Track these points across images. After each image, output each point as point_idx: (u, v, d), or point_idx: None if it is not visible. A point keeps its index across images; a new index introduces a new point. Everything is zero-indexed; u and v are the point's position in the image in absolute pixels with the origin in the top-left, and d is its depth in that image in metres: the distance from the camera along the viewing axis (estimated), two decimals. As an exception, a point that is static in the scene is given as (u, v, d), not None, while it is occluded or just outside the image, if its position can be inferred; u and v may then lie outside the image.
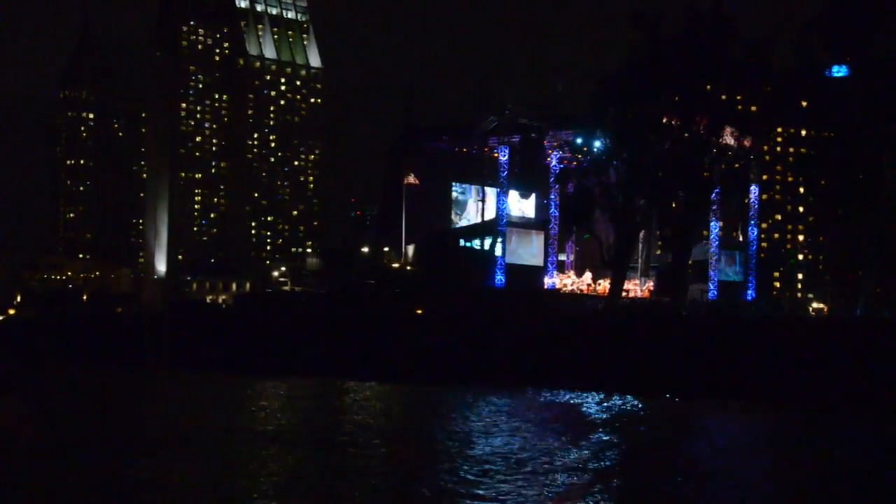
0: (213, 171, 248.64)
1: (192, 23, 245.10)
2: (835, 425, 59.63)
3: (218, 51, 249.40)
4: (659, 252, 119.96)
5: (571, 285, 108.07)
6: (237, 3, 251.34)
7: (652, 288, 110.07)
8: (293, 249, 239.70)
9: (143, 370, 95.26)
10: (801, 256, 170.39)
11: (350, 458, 43.74)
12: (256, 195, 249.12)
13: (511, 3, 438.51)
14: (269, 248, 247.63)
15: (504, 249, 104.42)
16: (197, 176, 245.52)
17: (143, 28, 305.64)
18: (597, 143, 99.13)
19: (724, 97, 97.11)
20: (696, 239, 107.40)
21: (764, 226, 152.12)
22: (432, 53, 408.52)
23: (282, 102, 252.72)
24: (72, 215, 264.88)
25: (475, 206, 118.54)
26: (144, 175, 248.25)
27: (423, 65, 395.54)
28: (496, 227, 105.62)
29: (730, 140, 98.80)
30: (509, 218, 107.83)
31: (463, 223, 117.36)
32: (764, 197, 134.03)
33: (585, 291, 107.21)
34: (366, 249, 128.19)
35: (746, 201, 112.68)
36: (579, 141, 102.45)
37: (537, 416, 59.10)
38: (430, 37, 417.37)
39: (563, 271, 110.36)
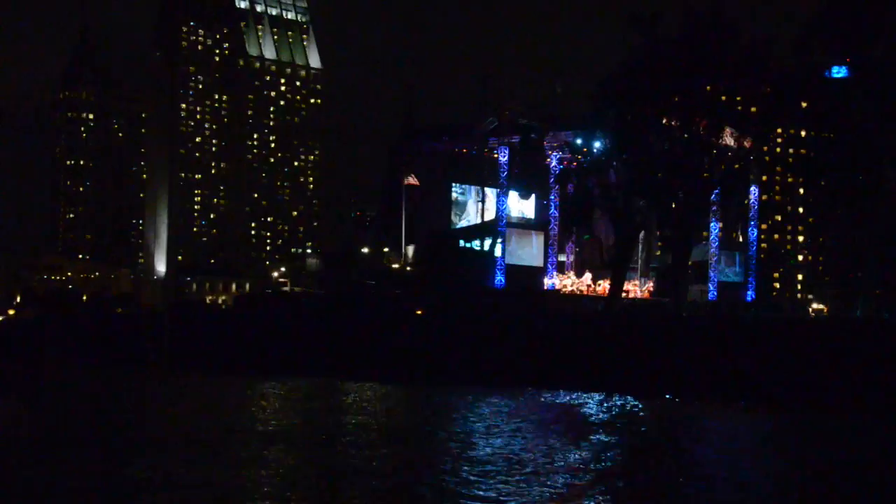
0: (212, 171, 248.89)
1: (191, 23, 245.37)
2: (835, 426, 59.64)
3: (218, 51, 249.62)
4: (659, 253, 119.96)
5: (571, 286, 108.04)
6: (237, 3, 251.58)
7: (652, 289, 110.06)
8: (293, 250, 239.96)
9: (142, 371, 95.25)
10: (800, 257, 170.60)
11: (351, 458, 43.74)
12: (256, 196, 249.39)
13: (511, 4, 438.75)
14: (268, 248, 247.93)
15: (504, 250, 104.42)
16: (197, 176, 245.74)
17: (143, 29, 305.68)
18: (596, 144, 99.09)
19: (723, 98, 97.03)
20: (696, 240, 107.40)
21: (764, 227, 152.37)
22: (432, 54, 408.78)
23: (282, 103, 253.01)
24: (71, 216, 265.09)
25: (475, 206, 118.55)
26: (144, 176, 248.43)
27: (423, 65, 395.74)
28: (496, 227, 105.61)
29: (729, 141, 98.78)
30: (509, 218, 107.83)
31: (463, 224, 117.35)
32: (764, 198, 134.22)
33: (585, 292, 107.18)
34: (365, 250, 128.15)
35: (746, 202, 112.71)
36: (579, 142, 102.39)
37: (538, 417, 59.09)
38: (430, 37, 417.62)
39: (563, 272, 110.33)
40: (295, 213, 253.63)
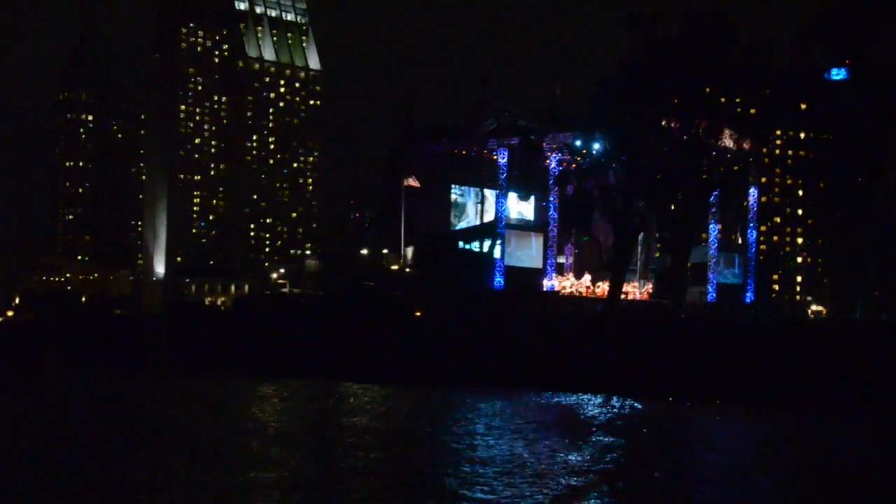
0: (212, 172, 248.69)
1: (191, 25, 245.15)
2: (835, 427, 59.68)
3: (217, 53, 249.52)
4: (658, 254, 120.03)
5: (570, 287, 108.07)
6: (236, 5, 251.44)
7: (651, 290, 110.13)
8: (292, 251, 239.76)
9: (141, 372, 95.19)
10: (799, 259, 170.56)
11: (352, 459, 43.75)
12: (255, 197, 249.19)
13: (510, 6, 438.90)
14: (267, 250, 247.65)
15: (503, 251, 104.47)
16: (196, 178, 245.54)
17: (142, 30, 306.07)
18: (596, 146, 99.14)
19: (723, 100, 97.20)
20: (695, 241, 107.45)
21: (763, 228, 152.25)
22: (431, 56, 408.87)
23: (281, 104, 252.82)
24: (71, 217, 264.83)
25: (474, 208, 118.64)
26: (143, 177, 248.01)
27: (423, 67, 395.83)
28: (495, 229, 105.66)
29: (729, 142, 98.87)
30: (508, 220, 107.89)
31: (462, 225, 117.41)
32: (763, 199, 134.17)
33: (584, 294, 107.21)
34: (365, 251, 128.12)
35: (745, 204, 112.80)
36: (578, 143, 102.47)
37: (538, 419, 59.10)
38: (430, 39, 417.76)
39: (562, 273, 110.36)
40: (294, 214, 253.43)
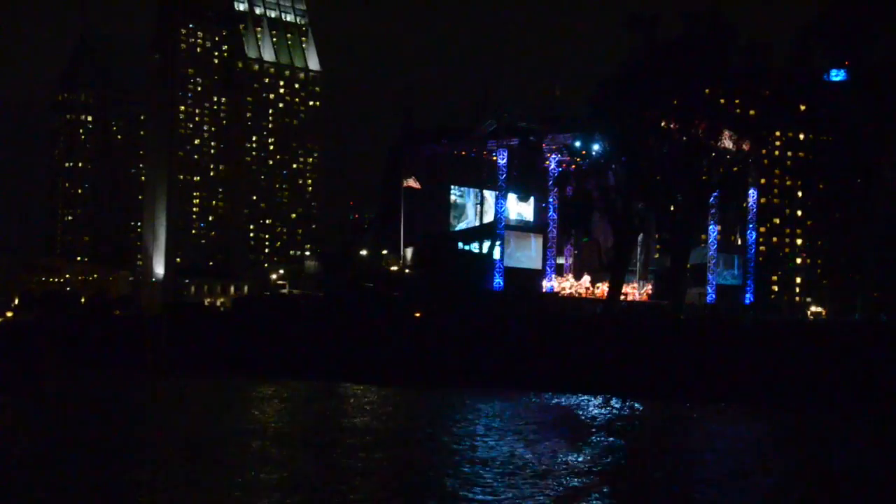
0: (211, 173, 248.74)
1: (190, 25, 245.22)
2: (834, 428, 59.70)
3: (216, 54, 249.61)
4: (657, 255, 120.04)
5: (570, 288, 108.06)
6: (236, 6, 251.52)
7: (650, 291, 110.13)
8: (291, 252, 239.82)
9: (140, 373, 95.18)
10: (799, 260, 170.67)
11: (352, 460, 43.78)
12: (255, 198, 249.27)
13: (510, 7, 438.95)
14: (267, 250, 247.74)
15: (502, 252, 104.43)
16: (195, 179, 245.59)
17: (142, 31, 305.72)
18: (595, 147, 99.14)
19: (722, 101, 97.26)
20: (695, 242, 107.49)
21: (762, 229, 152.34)
22: (431, 56, 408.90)
23: (280, 105, 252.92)
24: (70, 218, 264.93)
25: (474, 209, 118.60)
26: (143, 178, 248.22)
27: (422, 68, 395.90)
28: (495, 230, 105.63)
29: (728, 144, 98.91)
30: (508, 221, 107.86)
31: (461, 226, 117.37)
32: (762, 201, 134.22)
33: (584, 295, 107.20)
34: (364, 252, 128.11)
35: (745, 205, 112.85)
36: (578, 144, 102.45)
37: (538, 419, 59.13)
38: (429, 40, 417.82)
39: (562, 274, 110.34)
40: (293, 215, 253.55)
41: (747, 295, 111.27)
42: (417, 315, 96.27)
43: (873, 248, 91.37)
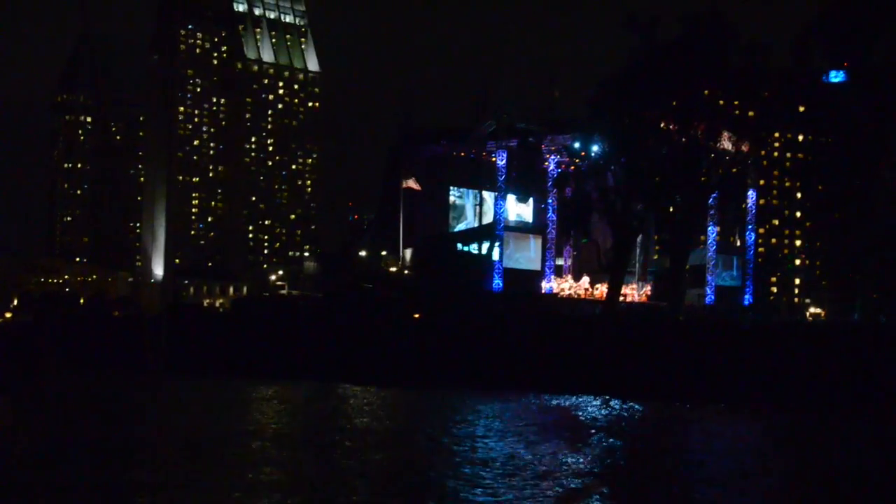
0: (210, 174, 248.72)
1: (190, 26, 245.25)
2: (833, 429, 59.74)
3: (216, 55, 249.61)
4: (656, 257, 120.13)
5: (569, 289, 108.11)
6: (235, 7, 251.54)
7: (649, 292, 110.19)
8: (290, 253, 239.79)
9: (139, 374, 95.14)
10: (798, 261, 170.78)
11: (352, 460, 43.77)
12: (254, 199, 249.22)
13: (509, 8, 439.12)
14: (266, 251, 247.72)
15: (502, 253, 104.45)
16: (194, 180, 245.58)
17: (141, 32, 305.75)
18: (595, 148, 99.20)
19: (721, 102, 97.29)
20: (694, 243, 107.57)
21: (761, 231, 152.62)
22: (431, 57, 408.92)
23: (280, 106, 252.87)
24: (69, 219, 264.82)
25: (473, 210, 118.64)
26: (142, 179, 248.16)
27: (422, 69, 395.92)
28: (494, 231, 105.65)
29: (727, 145, 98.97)
30: (507, 222, 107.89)
31: (461, 227, 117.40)
32: (761, 202, 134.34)
33: (583, 296, 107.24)
34: (363, 253, 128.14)
35: (744, 206, 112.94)
36: (577, 145, 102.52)
37: (538, 420, 59.13)
38: (429, 41, 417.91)
39: (561, 275, 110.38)
40: (293, 216, 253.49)
41: (746, 296, 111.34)
42: (416, 316, 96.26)
43: (872, 250, 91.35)
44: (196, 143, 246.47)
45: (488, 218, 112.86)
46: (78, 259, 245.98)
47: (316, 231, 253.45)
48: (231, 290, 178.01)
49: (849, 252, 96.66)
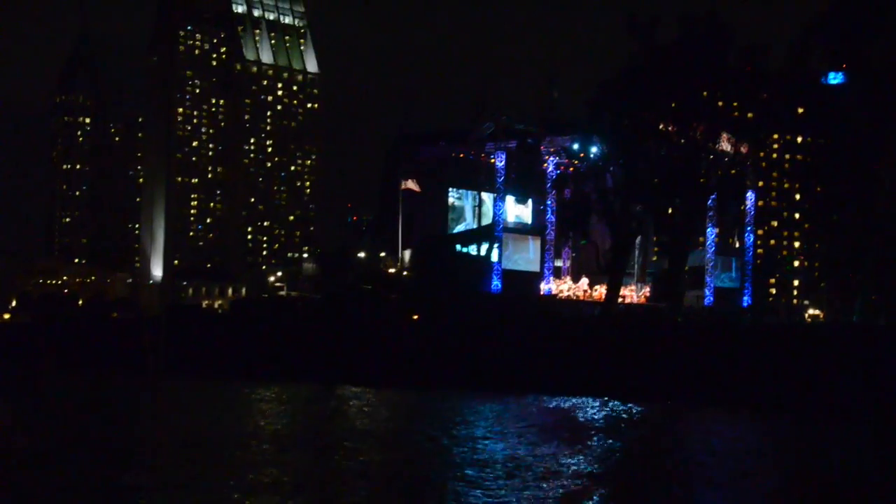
0: (209, 175, 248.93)
1: (189, 27, 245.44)
2: (832, 431, 59.78)
3: (215, 56, 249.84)
4: (655, 258, 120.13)
5: (568, 291, 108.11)
6: (234, 8, 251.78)
7: (648, 294, 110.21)
8: (289, 254, 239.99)
9: (138, 375, 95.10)
10: (796, 263, 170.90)
11: (352, 462, 43.77)
12: (253, 200, 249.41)
13: (508, 9, 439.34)
14: (265, 252, 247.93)
15: (500, 255, 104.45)
16: (193, 181, 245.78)
17: (140, 32, 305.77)
18: (593, 149, 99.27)
19: (720, 103, 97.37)
20: (693, 245, 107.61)
21: (760, 232, 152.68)
22: (430, 58, 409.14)
23: (279, 107, 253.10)
24: (68, 220, 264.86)
25: (472, 211, 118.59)
26: (141, 180, 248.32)
27: (420, 70, 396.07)
28: (493, 232, 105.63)
29: (726, 146, 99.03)
30: (506, 223, 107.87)
31: (459, 228, 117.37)
32: (760, 203, 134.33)
33: (582, 297, 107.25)
34: (362, 255, 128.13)
35: (743, 208, 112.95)
36: (576, 147, 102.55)
37: (538, 422, 59.13)
38: (428, 42, 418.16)
39: (560, 277, 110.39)
40: (291, 217, 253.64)
41: (745, 297, 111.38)
42: (416, 317, 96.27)
43: (871, 251, 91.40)
44: (195, 144, 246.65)
45: (487, 219, 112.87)
46: (77, 260, 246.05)
47: (315, 232, 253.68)
48: (230, 291, 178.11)
49: (848, 253, 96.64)
